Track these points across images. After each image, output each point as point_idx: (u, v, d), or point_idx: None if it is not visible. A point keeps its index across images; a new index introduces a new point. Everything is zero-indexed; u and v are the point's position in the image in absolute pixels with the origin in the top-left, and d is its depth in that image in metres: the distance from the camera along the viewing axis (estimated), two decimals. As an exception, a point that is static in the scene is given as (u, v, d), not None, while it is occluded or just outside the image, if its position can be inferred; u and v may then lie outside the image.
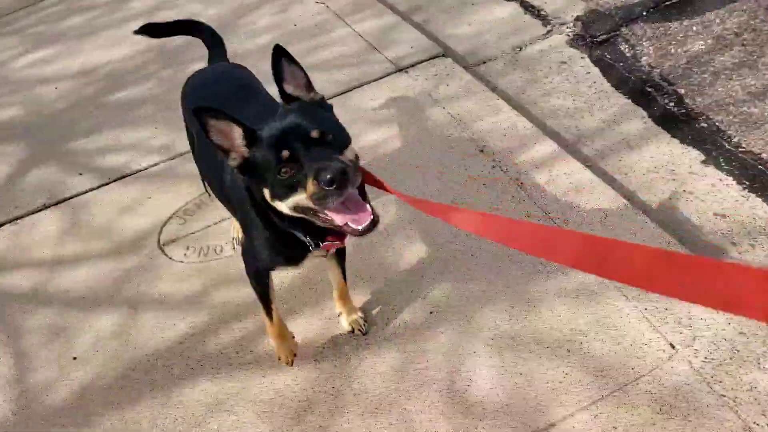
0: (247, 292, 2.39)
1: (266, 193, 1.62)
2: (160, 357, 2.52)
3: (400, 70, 3.80)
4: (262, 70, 3.65)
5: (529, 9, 4.43)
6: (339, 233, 1.74)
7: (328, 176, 1.40)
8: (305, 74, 1.69)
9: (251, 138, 1.60)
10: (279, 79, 1.65)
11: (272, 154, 1.53)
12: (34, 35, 4.82)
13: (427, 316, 2.49)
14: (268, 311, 2.24)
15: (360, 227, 1.52)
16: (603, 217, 2.70)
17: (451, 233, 2.75)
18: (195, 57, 4.05)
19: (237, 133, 1.60)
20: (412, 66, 3.82)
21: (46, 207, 3.28)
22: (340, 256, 2.24)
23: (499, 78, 3.85)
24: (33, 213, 3.27)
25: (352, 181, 1.47)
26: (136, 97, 4.00)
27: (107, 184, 3.36)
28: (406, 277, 2.64)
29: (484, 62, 4.01)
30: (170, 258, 2.89)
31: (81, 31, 4.76)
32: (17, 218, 3.26)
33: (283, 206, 1.58)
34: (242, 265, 2.24)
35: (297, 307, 2.60)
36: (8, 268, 3.00)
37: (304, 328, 2.52)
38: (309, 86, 1.71)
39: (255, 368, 2.43)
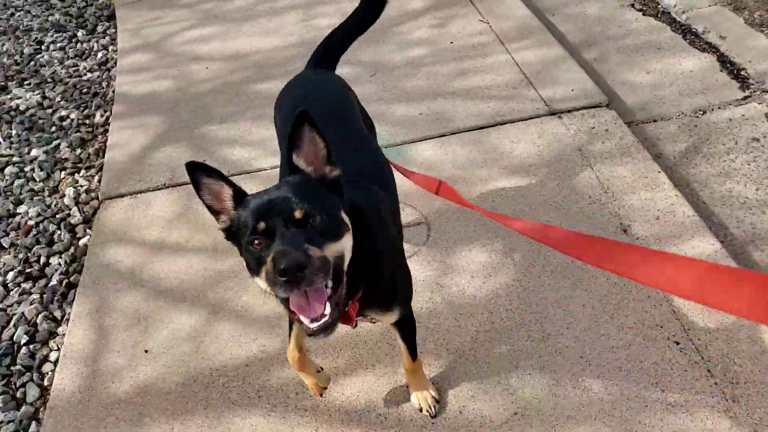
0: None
1: (245, 264, 1.52)
2: (222, 375, 2.48)
3: (552, 114, 3.47)
4: (400, 87, 3.52)
5: (727, 65, 3.85)
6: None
7: (282, 266, 1.30)
8: (326, 146, 1.57)
9: (238, 200, 1.55)
10: (293, 147, 1.55)
11: (250, 223, 1.45)
12: (203, 12, 5.08)
13: (510, 416, 2.20)
14: (290, 332, 2.10)
15: (311, 325, 1.40)
16: None
17: (564, 323, 2.43)
18: (343, 59, 4.00)
19: (227, 193, 1.55)
20: (568, 112, 3.46)
21: (165, 187, 3.41)
22: (402, 327, 2.04)
23: (668, 144, 3.37)
24: (153, 190, 3.40)
25: (309, 280, 1.32)
26: (275, 92, 4.03)
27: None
28: (497, 362, 2.36)
29: (654, 120, 3.55)
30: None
31: (243, 14, 4.93)
32: (138, 192, 3.41)
33: (259, 283, 1.46)
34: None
35: (369, 361, 2.44)
36: (116, 240, 3.14)
37: (370, 386, 2.35)
38: (329, 159, 1.59)
39: (309, 417, 2.31)
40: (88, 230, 3.32)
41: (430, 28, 4.32)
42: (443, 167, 3.22)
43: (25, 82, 4.66)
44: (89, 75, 4.67)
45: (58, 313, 2.92)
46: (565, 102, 3.52)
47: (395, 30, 4.36)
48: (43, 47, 5.11)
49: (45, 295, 2.99)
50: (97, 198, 3.49)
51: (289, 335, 2.08)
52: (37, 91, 4.54)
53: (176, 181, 3.42)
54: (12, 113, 4.33)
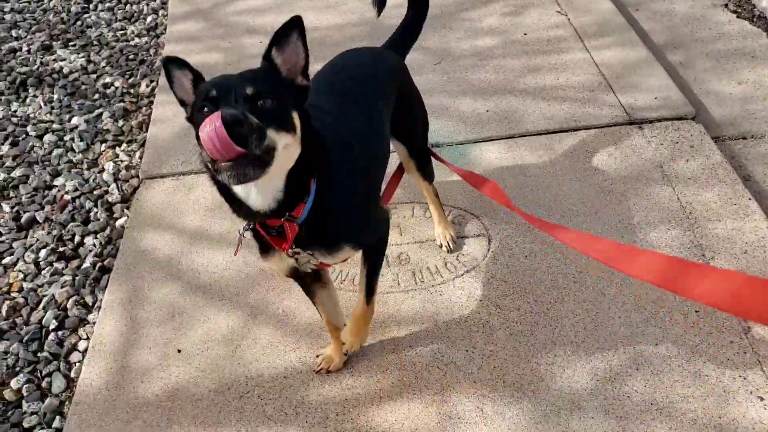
0: (379, 344, 2.31)
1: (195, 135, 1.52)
2: (258, 385, 2.35)
3: (632, 123, 3.21)
4: (466, 79, 3.28)
5: (837, 78, 3.52)
6: (278, 234, 1.74)
7: (221, 104, 1.44)
8: (306, 59, 1.66)
9: (196, 83, 1.64)
10: (275, 43, 1.62)
11: (202, 93, 1.54)
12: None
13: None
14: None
15: (223, 162, 1.38)
16: None
17: (634, 364, 2.25)
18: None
19: (188, 79, 1.65)
20: (650, 122, 3.21)
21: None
22: (369, 256, 2.09)
23: (758, 165, 3.10)
24: (196, 173, 3.27)
25: (245, 138, 1.34)
26: (330, 74, 3.85)
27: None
28: (558, 400, 2.19)
29: (744, 138, 3.26)
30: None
31: (302, -14, 4.72)
32: (180, 174, 3.29)
33: (202, 153, 1.46)
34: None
35: (417, 386, 2.28)
36: (154, 224, 3.02)
37: (416, 415, 2.20)
38: (304, 71, 1.68)
39: (349, 443, 2.16)
40: (126, 210, 3.21)
41: (501, 16, 4.07)
42: (509, 173, 3.00)
43: (71, 44, 4.56)
44: (137, 40, 4.54)
45: (89, 299, 2.82)
46: (646, 111, 3.25)
47: (463, 16, 4.11)
48: (90, 6, 5.00)
49: (77, 278, 2.89)
50: (137, 176, 3.37)
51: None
52: (82, 54, 4.43)
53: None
54: (55, 76, 4.24)
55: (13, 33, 4.72)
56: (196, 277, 2.78)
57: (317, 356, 2.39)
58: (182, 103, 1.71)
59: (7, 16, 4.93)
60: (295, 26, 1.60)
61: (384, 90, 2.28)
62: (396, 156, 2.57)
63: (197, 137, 1.45)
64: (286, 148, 1.50)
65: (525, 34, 3.87)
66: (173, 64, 1.66)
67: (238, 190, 1.58)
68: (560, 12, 3.99)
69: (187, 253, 2.87)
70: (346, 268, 2.70)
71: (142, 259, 2.87)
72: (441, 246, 2.71)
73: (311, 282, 2.15)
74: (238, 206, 1.65)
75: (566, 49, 3.71)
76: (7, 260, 3.04)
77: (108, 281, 2.81)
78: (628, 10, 4.16)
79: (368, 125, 2.14)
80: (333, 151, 1.78)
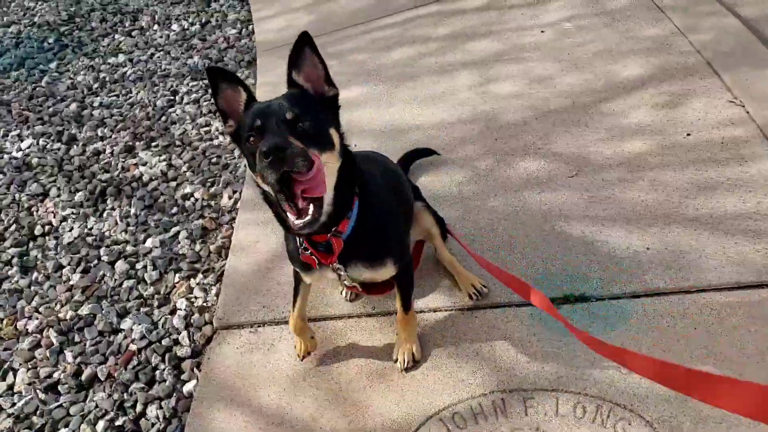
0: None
1: (247, 163, 1.87)
2: None
3: None
4: (613, 198, 2.58)
5: None
6: (325, 250, 1.96)
7: (264, 148, 1.56)
8: (324, 67, 1.83)
9: (248, 105, 1.83)
10: (292, 65, 1.83)
11: (248, 123, 1.75)
12: (354, 65, 4.47)
13: None
14: (294, 302, 2.48)
15: (296, 222, 1.67)
16: None
17: None
18: (532, 149, 3.20)
19: (242, 97, 1.84)
20: None
21: (292, 321, 2.76)
22: (400, 280, 2.30)
23: None
24: (278, 324, 2.80)
25: (291, 161, 1.56)
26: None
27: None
28: None
29: None
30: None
31: (402, 71, 4.26)
32: (259, 324, 2.82)
33: (257, 178, 1.72)
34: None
35: None
36: (225, 400, 2.55)
37: None
38: (327, 79, 1.86)
39: None
40: (195, 370, 2.77)
41: (653, 109, 3.35)
42: (684, 350, 2.26)
43: (153, 144, 4.32)
44: (221, 139, 4.23)
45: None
46: None
47: (602, 108, 3.43)
48: (176, 98, 4.79)
49: (136, 466, 2.46)
50: (211, 323, 2.94)
51: (293, 305, 2.47)
52: (164, 156, 4.17)
53: (321, 315, 2.77)
54: (134, 185, 3.98)
55: (99, 132, 4.57)
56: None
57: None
58: (224, 114, 1.89)
59: (96, 112, 4.82)
60: (304, 43, 1.79)
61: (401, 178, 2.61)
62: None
63: (246, 157, 1.81)
64: (328, 165, 1.71)
65: (688, 134, 3.12)
66: (220, 76, 1.84)
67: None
68: (735, 101, 3.21)
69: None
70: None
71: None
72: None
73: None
74: (288, 225, 1.77)
75: (750, 156, 2.93)
76: (61, 433, 2.67)
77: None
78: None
79: (390, 175, 2.43)
80: (367, 175, 2.03)
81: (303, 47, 1.81)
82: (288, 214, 1.69)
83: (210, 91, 1.96)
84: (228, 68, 4.85)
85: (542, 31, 4.18)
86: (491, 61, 4.06)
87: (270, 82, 4.57)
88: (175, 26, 5.85)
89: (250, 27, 5.51)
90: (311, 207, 1.66)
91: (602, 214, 2.84)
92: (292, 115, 1.69)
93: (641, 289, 2.50)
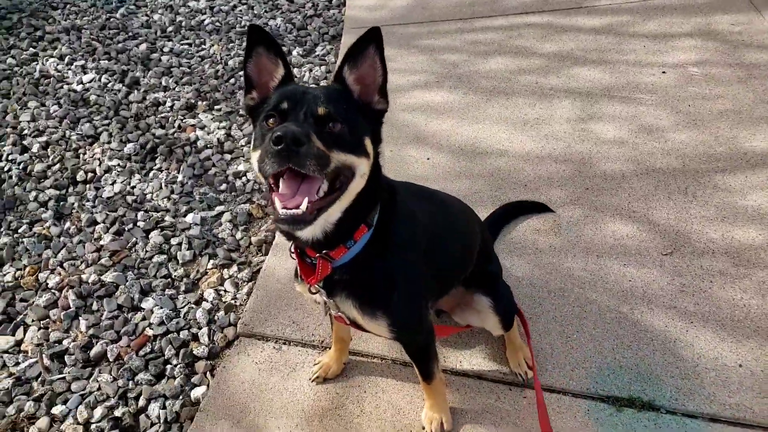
0: None
1: (252, 139, 1.68)
2: None
3: None
4: (715, 296, 2.30)
5: None
6: (312, 266, 1.77)
7: (278, 132, 1.39)
8: (384, 75, 1.67)
9: (284, 83, 1.71)
10: (348, 58, 1.65)
11: (274, 101, 1.61)
12: (445, 66, 4.24)
13: None
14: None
15: (280, 211, 1.45)
16: None
17: None
18: (623, 211, 2.94)
19: (278, 72, 1.71)
20: None
21: (322, 347, 2.61)
22: (408, 350, 2.12)
23: None
24: (306, 346, 2.63)
25: (304, 158, 1.41)
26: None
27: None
28: None
29: None
30: None
31: (497, 84, 4.01)
32: (285, 341, 2.69)
33: (253, 158, 1.58)
34: None
35: None
36: (232, 421, 2.44)
37: None
38: (382, 89, 1.69)
39: None
40: (209, 374, 2.66)
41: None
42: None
43: (216, 107, 4.21)
44: (287, 117, 4.08)
45: None
46: None
47: (716, 180, 3.12)
48: (250, 60, 4.65)
49: (122, 470, 2.37)
50: (235, 325, 2.82)
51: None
52: (224, 124, 4.05)
53: (351, 349, 2.60)
54: (187, 149, 3.87)
55: (163, 81, 4.49)
56: None
57: (315, 364, 2.51)
58: (248, 81, 1.74)
59: (164, 58, 4.74)
60: (372, 39, 1.61)
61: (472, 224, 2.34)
62: None
63: (254, 136, 1.64)
64: (356, 172, 1.57)
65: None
66: (261, 39, 1.68)
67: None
68: None
69: None
70: None
71: None
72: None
73: None
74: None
75: None
76: (57, 410, 2.60)
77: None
78: None
79: (447, 218, 2.18)
80: (403, 213, 1.84)
81: (368, 44, 1.63)
82: (275, 198, 1.48)
83: (246, 49, 1.69)
84: (309, 38, 4.72)
85: (663, 72, 3.85)
86: (598, 95, 3.76)
87: (351, 65, 4.39)
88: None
89: (342, -1, 5.31)
90: (305, 203, 1.45)
91: (692, 309, 2.57)
92: (324, 111, 1.53)
93: (723, 414, 2.23)
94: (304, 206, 1.44)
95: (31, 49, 4.98)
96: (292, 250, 1.84)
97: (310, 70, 4.46)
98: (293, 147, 1.39)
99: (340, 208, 1.62)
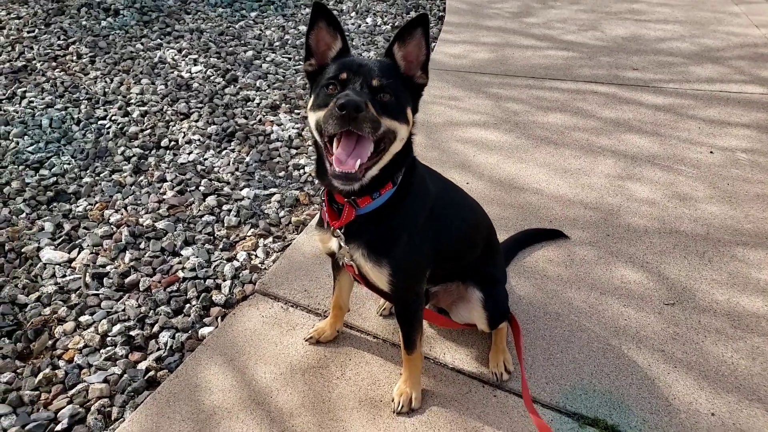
0: None
1: (309, 101, 1.81)
2: None
3: None
4: (708, 353, 2.30)
5: None
6: (338, 212, 1.93)
7: (342, 101, 1.57)
8: (428, 54, 1.83)
9: (341, 55, 1.85)
10: (399, 38, 1.79)
11: (334, 71, 1.76)
12: (499, 108, 4.33)
13: None
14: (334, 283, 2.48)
15: (337, 168, 1.65)
16: None
17: None
18: (627, 257, 2.90)
19: (336, 45, 1.85)
20: None
21: (324, 315, 2.69)
22: (398, 306, 2.19)
23: None
24: (309, 311, 2.72)
25: (359, 124, 1.59)
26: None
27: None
28: None
29: None
30: None
31: (550, 133, 4.06)
32: (294, 304, 2.77)
33: (312, 118, 1.77)
34: None
35: None
36: (226, 359, 2.54)
37: None
38: (424, 66, 1.85)
39: None
40: (220, 319, 2.78)
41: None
42: None
43: (296, 111, 4.48)
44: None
45: (115, 412, 2.39)
46: None
47: (737, 251, 3.02)
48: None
49: (123, 378, 2.51)
50: (254, 283, 2.95)
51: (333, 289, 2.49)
52: (299, 125, 4.31)
53: (348, 322, 2.68)
54: (261, 137, 4.13)
55: (258, 83, 4.83)
56: (222, 454, 2.18)
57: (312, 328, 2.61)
58: (309, 49, 1.88)
59: (264, 66, 5.10)
60: (420, 23, 1.77)
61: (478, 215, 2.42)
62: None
63: (313, 97, 1.79)
64: (397, 135, 1.74)
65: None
66: (324, 14, 1.82)
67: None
68: None
69: (230, 422, 2.29)
70: None
71: (185, 398, 2.37)
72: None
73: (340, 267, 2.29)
74: (323, 169, 1.82)
75: None
76: (83, 319, 2.79)
77: (141, 404, 2.36)
78: None
79: (453, 200, 2.30)
80: (420, 181, 2.00)
81: (416, 27, 1.79)
82: (332, 159, 1.68)
83: (309, 22, 1.85)
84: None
85: (711, 152, 3.80)
86: (642, 160, 3.75)
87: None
88: (369, 19, 6.07)
89: (433, 45, 5.56)
90: (357, 162, 1.65)
91: (680, 356, 2.48)
92: (378, 83, 1.71)
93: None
94: (356, 166, 1.65)
95: (158, 40, 5.49)
96: (323, 197, 2.02)
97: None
98: (354, 113, 1.57)
99: (379, 167, 1.78)
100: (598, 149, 3.88)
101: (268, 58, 5.23)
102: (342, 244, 1.99)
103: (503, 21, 6.02)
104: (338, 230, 1.96)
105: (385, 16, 6.17)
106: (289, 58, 5.27)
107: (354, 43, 5.58)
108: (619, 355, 2.49)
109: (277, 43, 5.52)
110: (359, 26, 5.94)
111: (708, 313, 2.68)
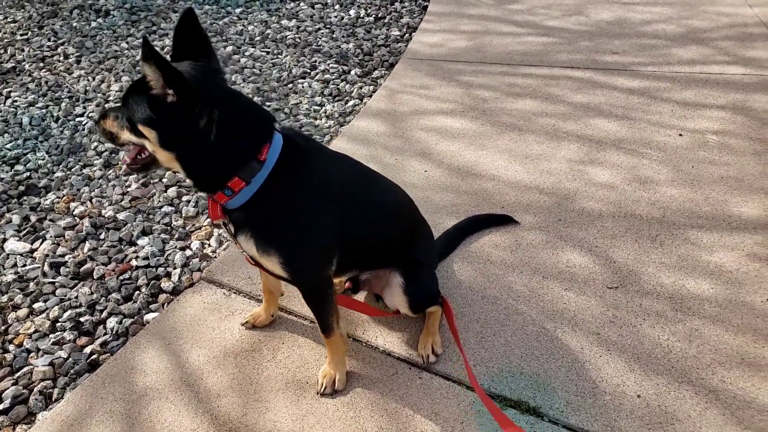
0: None
1: None
2: None
3: None
4: (643, 335, 2.23)
5: None
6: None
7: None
8: (163, 76, 1.65)
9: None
10: (142, 58, 1.67)
11: None
12: (472, 98, 4.31)
13: None
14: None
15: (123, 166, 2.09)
16: None
17: None
18: (577, 235, 2.86)
19: None
20: None
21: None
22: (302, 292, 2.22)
23: None
24: (251, 298, 2.75)
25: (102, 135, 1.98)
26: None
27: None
28: None
29: None
30: None
31: (515, 121, 4.03)
32: (237, 291, 2.81)
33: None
34: None
35: None
36: (165, 343, 2.60)
37: None
38: (169, 87, 1.69)
39: None
40: (166, 306, 2.84)
41: (746, 259, 2.82)
42: None
43: (267, 104, 4.51)
44: (324, 122, 4.31)
45: (56, 393, 2.48)
46: None
47: (690, 234, 2.96)
48: (312, 72, 4.97)
49: (68, 361, 2.60)
50: (201, 271, 3.00)
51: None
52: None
53: (286, 308, 2.71)
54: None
55: (234, 77, 4.88)
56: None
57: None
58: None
59: (243, 60, 5.14)
60: (146, 46, 1.63)
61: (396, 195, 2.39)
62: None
63: None
64: (147, 142, 1.84)
65: (768, 299, 2.60)
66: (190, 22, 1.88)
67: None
68: None
69: (155, 409, 2.34)
70: None
71: (120, 380, 2.43)
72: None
73: None
74: None
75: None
76: (37, 305, 2.88)
77: (78, 385, 2.43)
78: None
79: (368, 190, 2.24)
80: (305, 173, 1.94)
81: (146, 49, 1.61)
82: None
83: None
84: (371, 63, 4.97)
85: (680, 134, 3.73)
86: (606, 144, 3.70)
87: (390, 87, 4.58)
88: (352, 12, 6.09)
89: (413, 34, 5.56)
90: (127, 160, 1.97)
91: (614, 339, 2.46)
92: (122, 99, 1.91)
93: (603, 434, 2.11)
94: (128, 160, 1.97)
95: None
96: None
97: (361, 88, 4.70)
98: (97, 127, 2.00)
99: (169, 168, 1.93)
100: (564, 134, 3.84)
101: (247, 53, 5.28)
102: (231, 234, 2.02)
103: (486, 9, 5.98)
104: (222, 222, 1.99)
105: (369, 7, 6.18)
106: (268, 52, 5.31)
107: (335, 36, 5.61)
108: (552, 338, 2.48)
109: (258, 38, 5.57)
110: (342, 18, 5.96)
111: (651, 296, 2.65)
